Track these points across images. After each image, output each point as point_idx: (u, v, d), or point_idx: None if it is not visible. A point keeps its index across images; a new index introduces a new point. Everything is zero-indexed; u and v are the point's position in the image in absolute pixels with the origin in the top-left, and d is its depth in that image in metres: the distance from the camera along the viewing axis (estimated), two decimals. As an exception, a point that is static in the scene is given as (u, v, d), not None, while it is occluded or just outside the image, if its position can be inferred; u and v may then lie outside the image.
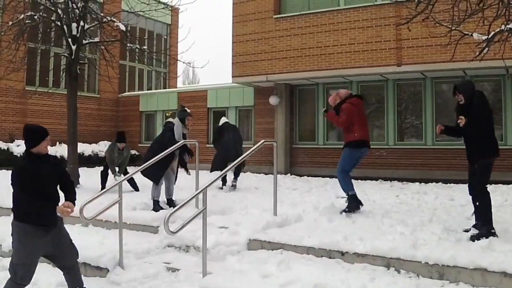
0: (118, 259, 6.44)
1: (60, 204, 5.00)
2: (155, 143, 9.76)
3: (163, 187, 9.62)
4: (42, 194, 4.82)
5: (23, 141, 4.98)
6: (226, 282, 5.34)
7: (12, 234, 4.90)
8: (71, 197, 5.13)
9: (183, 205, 5.47)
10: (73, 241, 5.25)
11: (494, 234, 6.26)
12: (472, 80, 6.90)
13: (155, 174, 9.23)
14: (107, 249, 6.66)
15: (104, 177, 12.49)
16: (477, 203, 6.60)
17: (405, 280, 5.32)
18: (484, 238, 6.08)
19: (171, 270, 6.31)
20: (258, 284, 5.22)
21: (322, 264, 5.91)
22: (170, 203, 9.49)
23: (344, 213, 8.22)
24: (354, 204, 8.40)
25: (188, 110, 10.03)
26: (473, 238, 6.19)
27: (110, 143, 12.62)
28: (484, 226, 6.39)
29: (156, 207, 9.17)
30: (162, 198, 9.59)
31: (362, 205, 8.56)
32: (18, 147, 20.14)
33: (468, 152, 6.77)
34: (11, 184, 4.81)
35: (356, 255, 5.89)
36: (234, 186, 12.50)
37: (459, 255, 5.30)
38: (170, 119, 10.13)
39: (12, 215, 4.91)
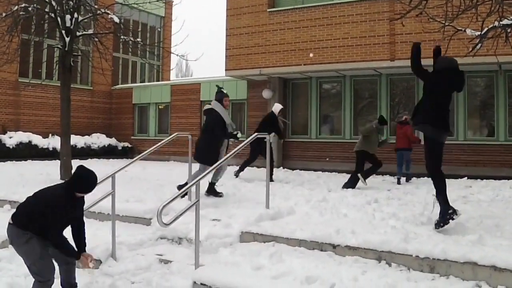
0: (111, 250, 6.45)
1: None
2: (205, 133, 9.80)
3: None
4: (61, 228, 5.04)
5: (74, 183, 5.06)
6: (219, 274, 5.35)
7: (12, 242, 5.00)
8: (83, 242, 5.37)
9: (176, 197, 5.48)
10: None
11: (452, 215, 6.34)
12: (453, 59, 6.92)
13: (210, 158, 9.18)
14: (100, 241, 6.66)
15: None
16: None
17: (396, 273, 5.36)
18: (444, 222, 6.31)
19: (164, 262, 6.33)
20: (250, 276, 5.24)
21: (314, 256, 5.93)
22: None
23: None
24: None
25: (225, 91, 9.98)
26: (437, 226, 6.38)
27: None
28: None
29: (212, 190, 9.47)
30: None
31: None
32: (11, 139, 20.10)
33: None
34: (41, 209, 4.87)
35: (348, 248, 5.93)
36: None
37: (449, 249, 5.33)
38: (208, 106, 9.95)
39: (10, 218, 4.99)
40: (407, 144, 13.50)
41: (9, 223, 4.96)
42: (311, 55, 16.51)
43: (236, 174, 13.48)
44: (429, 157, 6.67)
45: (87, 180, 5.09)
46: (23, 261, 5.01)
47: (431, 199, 9.43)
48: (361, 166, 12.07)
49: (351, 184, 11.60)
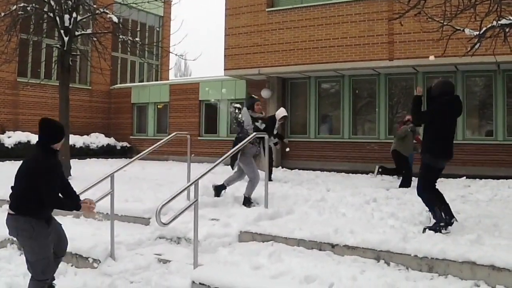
0: (109, 250, 6.44)
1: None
2: None
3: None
4: (57, 192, 4.95)
5: (43, 135, 4.98)
6: (217, 273, 5.35)
7: (17, 234, 4.89)
8: (75, 195, 5.28)
9: (174, 196, 5.47)
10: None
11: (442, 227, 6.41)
12: (450, 81, 6.93)
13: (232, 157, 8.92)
14: (99, 241, 6.66)
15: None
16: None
17: (395, 272, 5.37)
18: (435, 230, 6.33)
19: (163, 262, 6.33)
20: (249, 276, 5.24)
21: (313, 256, 5.94)
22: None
23: None
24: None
25: (256, 97, 9.88)
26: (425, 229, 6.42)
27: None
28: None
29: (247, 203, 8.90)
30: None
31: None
32: (9, 139, 20.07)
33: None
34: (29, 177, 4.83)
35: (347, 248, 5.93)
36: None
37: (448, 249, 5.34)
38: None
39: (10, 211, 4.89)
40: None
41: (9, 214, 4.85)
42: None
43: None
44: (422, 179, 6.76)
45: (54, 126, 5.07)
46: (21, 261, 4.97)
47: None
48: (401, 165, 12.30)
49: (405, 183, 11.79)
